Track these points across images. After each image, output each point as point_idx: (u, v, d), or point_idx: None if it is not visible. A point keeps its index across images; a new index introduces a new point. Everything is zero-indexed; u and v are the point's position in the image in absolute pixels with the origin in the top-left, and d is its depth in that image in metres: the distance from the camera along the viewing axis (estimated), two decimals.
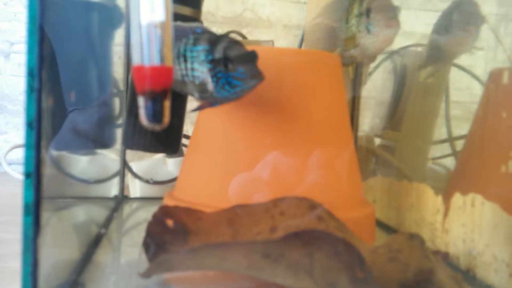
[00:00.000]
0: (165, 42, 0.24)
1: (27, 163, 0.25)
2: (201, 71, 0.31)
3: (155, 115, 0.24)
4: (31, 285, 0.25)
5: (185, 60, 0.32)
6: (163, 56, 0.24)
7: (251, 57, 0.31)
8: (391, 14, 0.42)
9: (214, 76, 0.31)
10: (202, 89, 0.32)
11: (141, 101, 0.24)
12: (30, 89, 0.25)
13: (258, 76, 0.31)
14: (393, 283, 0.31)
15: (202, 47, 0.31)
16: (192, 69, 0.32)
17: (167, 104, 0.25)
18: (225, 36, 0.32)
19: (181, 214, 0.35)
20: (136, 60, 0.24)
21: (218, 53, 0.31)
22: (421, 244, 0.33)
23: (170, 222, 0.35)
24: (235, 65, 0.31)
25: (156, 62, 0.24)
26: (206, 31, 0.32)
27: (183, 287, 0.33)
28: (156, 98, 0.24)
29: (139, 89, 0.24)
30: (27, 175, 0.25)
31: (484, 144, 0.43)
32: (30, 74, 0.24)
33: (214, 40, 0.31)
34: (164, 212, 0.35)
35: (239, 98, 0.33)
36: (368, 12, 0.44)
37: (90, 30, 0.54)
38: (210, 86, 0.31)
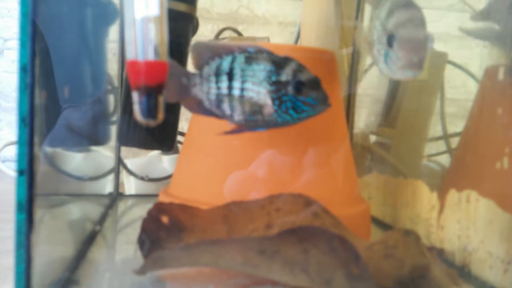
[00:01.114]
0: (160, 37, 0.24)
1: (20, 160, 0.25)
2: (257, 92, 0.30)
3: (150, 111, 0.24)
4: (24, 282, 0.25)
5: (231, 79, 0.30)
6: (157, 51, 0.24)
7: (319, 82, 0.30)
8: (417, 57, 0.33)
9: (277, 98, 0.30)
10: (252, 110, 0.30)
11: (135, 96, 0.24)
12: (23, 85, 0.24)
13: (327, 102, 0.30)
14: (389, 280, 0.31)
15: (262, 66, 0.30)
16: (243, 89, 0.30)
17: (161, 99, 0.24)
18: (290, 58, 0.30)
19: (176, 211, 0.35)
20: (130, 55, 0.24)
21: (286, 76, 0.30)
22: (416, 240, 0.33)
23: (165, 219, 0.35)
24: (307, 90, 0.30)
25: (150, 57, 0.23)
26: (262, 50, 0.31)
27: (178, 284, 0.33)
28: (150, 94, 0.24)
29: (133, 84, 0.24)
30: (20, 172, 0.24)
31: (479, 140, 0.43)
32: (23, 69, 0.24)
33: (278, 61, 0.30)
34: (159, 208, 0.35)
35: (297, 123, 0.31)
36: (391, 39, 0.34)
37: (84, 26, 0.53)
38: (269, 108, 0.30)
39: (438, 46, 0.66)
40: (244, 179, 0.39)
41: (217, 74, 0.30)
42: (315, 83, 0.30)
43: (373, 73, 0.70)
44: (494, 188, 0.38)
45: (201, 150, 0.43)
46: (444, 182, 0.50)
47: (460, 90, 0.69)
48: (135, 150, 0.69)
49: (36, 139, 0.26)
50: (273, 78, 0.30)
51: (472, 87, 0.64)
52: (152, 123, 0.25)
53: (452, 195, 0.40)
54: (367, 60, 0.66)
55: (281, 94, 0.30)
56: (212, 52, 0.31)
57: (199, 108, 0.33)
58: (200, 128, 0.44)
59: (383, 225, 0.52)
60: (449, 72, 0.65)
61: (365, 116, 0.72)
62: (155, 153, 0.70)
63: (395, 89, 0.64)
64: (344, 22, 0.59)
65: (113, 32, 0.60)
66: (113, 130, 0.61)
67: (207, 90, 0.31)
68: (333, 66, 0.45)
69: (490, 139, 0.41)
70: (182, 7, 0.50)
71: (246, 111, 0.30)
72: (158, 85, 0.24)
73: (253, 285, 0.32)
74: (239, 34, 0.72)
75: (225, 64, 0.30)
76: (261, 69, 0.30)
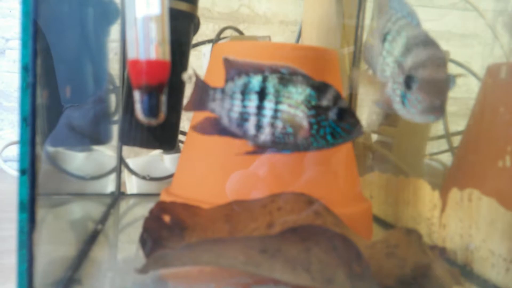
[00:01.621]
0: (161, 36, 0.24)
1: (21, 159, 0.25)
2: (294, 114, 0.29)
3: (151, 110, 0.24)
4: (26, 282, 0.25)
5: (263, 98, 0.29)
6: (159, 50, 0.24)
7: (352, 110, 0.31)
8: (439, 100, 0.30)
9: (316, 123, 0.29)
10: (284, 132, 0.30)
11: (136, 95, 0.24)
12: (25, 84, 0.24)
13: (361, 129, 0.31)
14: (391, 278, 0.31)
15: (300, 89, 0.29)
16: (277, 110, 0.29)
17: (163, 98, 0.24)
18: (328, 84, 0.30)
19: (178, 210, 0.35)
20: (131, 55, 0.24)
21: (327, 101, 0.29)
22: (418, 239, 0.33)
23: (167, 218, 0.35)
24: (347, 117, 0.30)
25: (151, 56, 0.23)
26: (297, 73, 0.30)
27: (180, 283, 0.33)
28: (152, 93, 0.24)
29: (134, 83, 0.24)
30: (22, 171, 0.25)
31: (481, 139, 0.43)
32: (25, 69, 0.24)
33: (317, 86, 0.30)
34: (161, 208, 0.35)
35: (329, 148, 0.31)
36: (410, 81, 0.32)
37: (86, 25, 0.53)
38: (304, 132, 0.29)
39: (440, 44, 0.66)
40: (245, 178, 0.39)
41: (245, 92, 0.30)
42: (351, 110, 0.30)
43: None
44: (496, 187, 0.38)
45: (202, 149, 0.43)
46: (446, 181, 0.49)
47: (461, 89, 0.69)
48: (136, 149, 0.69)
49: (38, 139, 0.26)
50: (313, 103, 0.29)
51: (473, 86, 0.64)
52: (153, 122, 0.25)
53: (454, 194, 0.39)
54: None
55: (320, 119, 0.29)
56: (240, 68, 0.31)
57: (213, 128, 0.32)
58: None
59: (385, 224, 0.52)
60: (451, 71, 0.65)
61: (366, 115, 0.72)
62: (157, 152, 0.70)
63: None
64: (346, 21, 0.59)
65: (114, 31, 0.60)
66: (115, 129, 0.61)
67: (229, 107, 0.30)
68: (334, 65, 0.44)
69: (492, 138, 0.41)
70: (183, 6, 0.50)
71: (276, 132, 0.30)
72: (160, 84, 0.24)
73: (254, 284, 0.32)
74: (240, 33, 0.72)
75: (255, 82, 0.30)
76: (299, 92, 0.29)
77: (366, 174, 0.60)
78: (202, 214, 0.36)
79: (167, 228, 0.35)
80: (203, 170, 0.42)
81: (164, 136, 0.53)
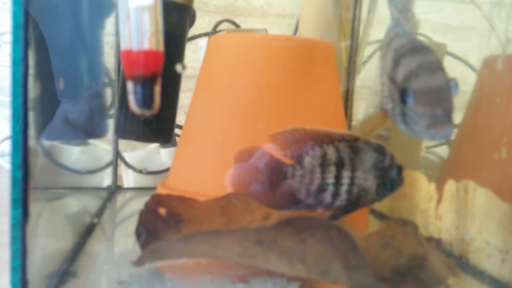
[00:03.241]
0: (155, 26, 0.24)
1: (13, 155, 0.24)
2: (365, 178, 0.31)
3: (145, 101, 0.24)
4: (20, 277, 0.25)
5: (340, 168, 0.31)
6: (152, 40, 0.23)
7: None
8: (442, 109, 0.27)
9: (382, 183, 0.32)
10: (358, 196, 0.31)
11: (130, 86, 0.24)
12: (16, 79, 0.24)
13: (403, 178, 0.32)
14: (386, 269, 0.31)
15: (369, 155, 0.31)
16: (353, 177, 0.31)
17: (157, 89, 0.24)
18: (381, 144, 0.32)
19: (174, 202, 0.35)
20: (124, 45, 0.24)
21: (389, 161, 0.31)
22: (414, 230, 0.33)
23: (162, 211, 0.35)
24: (400, 173, 0.32)
25: (145, 46, 0.23)
26: (358, 139, 0.32)
27: (176, 275, 0.33)
28: (145, 83, 0.23)
29: (127, 74, 0.24)
30: (14, 167, 0.24)
31: (477, 130, 0.43)
32: (15, 63, 0.24)
33: (378, 148, 0.32)
34: (157, 200, 0.35)
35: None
36: (405, 94, 0.28)
37: (80, 17, 0.53)
38: (373, 194, 0.31)
39: (437, 37, 0.66)
40: (244, 172, 0.39)
41: (323, 164, 0.31)
42: (400, 164, 0.33)
43: (371, 65, 0.70)
44: (492, 178, 0.38)
45: (198, 142, 0.43)
46: (442, 173, 0.50)
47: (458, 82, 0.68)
48: (133, 143, 0.68)
49: (32, 133, 0.25)
50: (380, 165, 0.31)
51: (470, 79, 0.64)
52: (147, 113, 0.24)
53: (450, 186, 0.40)
54: (365, 52, 0.66)
55: (384, 178, 0.32)
56: (312, 139, 0.32)
57: (289, 202, 0.33)
58: (197, 119, 0.43)
59: (381, 216, 0.52)
60: (448, 64, 0.65)
61: (363, 108, 0.71)
62: (154, 146, 0.70)
63: None
64: (342, 13, 0.59)
65: (110, 25, 0.60)
66: (111, 123, 0.61)
67: (309, 181, 0.31)
68: (331, 58, 0.44)
69: (489, 129, 0.41)
70: None
71: (351, 197, 0.31)
72: (153, 74, 0.24)
73: (250, 276, 0.32)
74: (237, 26, 0.72)
75: (331, 154, 0.31)
76: (368, 157, 0.31)
77: None
78: (198, 207, 0.36)
79: (163, 220, 0.35)
80: (199, 163, 0.42)
81: (160, 130, 0.53)
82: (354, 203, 0.32)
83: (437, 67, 0.28)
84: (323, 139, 0.32)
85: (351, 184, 0.31)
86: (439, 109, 0.27)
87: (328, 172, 0.31)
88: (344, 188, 0.31)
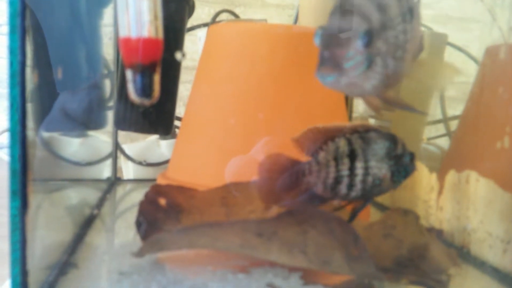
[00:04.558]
0: (153, 14, 0.23)
1: (11, 146, 0.24)
2: (379, 167, 0.32)
3: (144, 89, 0.23)
4: (20, 269, 0.25)
5: (353, 160, 0.31)
6: (151, 28, 0.23)
7: None
8: (330, 53, 0.26)
9: (396, 170, 0.32)
10: (373, 185, 0.32)
11: (129, 74, 0.23)
12: (13, 70, 0.24)
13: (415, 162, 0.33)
14: (388, 259, 0.31)
15: (381, 145, 0.32)
16: (367, 168, 0.31)
17: (156, 78, 0.24)
18: (392, 133, 0.33)
19: (174, 193, 0.35)
20: (123, 33, 0.23)
21: (401, 149, 0.32)
22: (415, 220, 0.33)
23: (162, 201, 0.35)
24: (413, 160, 0.33)
25: (143, 34, 0.23)
26: (370, 129, 0.32)
27: (177, 266, 0.32)
28: (144, 72, 0.23)
29: (126, 62, 0.23)
30: (13, 157, 0.24)
31: (479, 120, 0.43)
32: (12, 53, 0.23)
33: (388, 136, 0.32)
34: (157, 191, 0.35)
35: None
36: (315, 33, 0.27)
37: (77, 7, 0.52)
38: (388, 181, 0.32)
39: (438, 28, 0.65)
40: (244, 164, 0.39)
41: (336, 157, 0.31)
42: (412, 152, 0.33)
43: None
44: (494, 168, 0.38)
45: (198, 133, 0.42)
46: (443, 163, 0.49)
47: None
48: (133, 135, 0.68)
49: (30, 124, 0.25)
50: (392, 153, 0.32)
51: (471, 70, 0.64)
52: (146, 102, 0.24)
53: (452, 176, 0.39)
54: None
55: (397, 166, 0.32)
56: (325, 136, 0.32)
57: (308, 199, 0.33)
58: (197, 109, 0.43)
59: (382, 207, 0.52)
60: (449, 55, 0.64)
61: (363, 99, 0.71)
62: (153, 138, 0.70)
63: None
64: None
65: (108, 16, 0.59)
66: (110, 115, 0.60)
67: (325, 175, 0.32)
68: None
69: (491, 119, 0.41)
70: None
71: (366, 187, 0.32)
72: (152, 62, 0.23)
73: (251, 267, 0.32)
74: (236, 16, 0.71)
75: (343, 146, 0.32)
76: (381, 147, 0.32)
77: None
78: (198, 197, 0.35)
79: (163, 211, 0.35)
80: (198, 153, 0.42)
81: (160, 121, 0.53)
82: (370, 193, 0.32)
83: (352, 13, 0.26)
84: (335, 133, 0.32)
85: (366, 174, 0.31)
86: (326, 52, 0.26)
87: (342, 164, 0.31)
88: (358, 179, 0.31)
